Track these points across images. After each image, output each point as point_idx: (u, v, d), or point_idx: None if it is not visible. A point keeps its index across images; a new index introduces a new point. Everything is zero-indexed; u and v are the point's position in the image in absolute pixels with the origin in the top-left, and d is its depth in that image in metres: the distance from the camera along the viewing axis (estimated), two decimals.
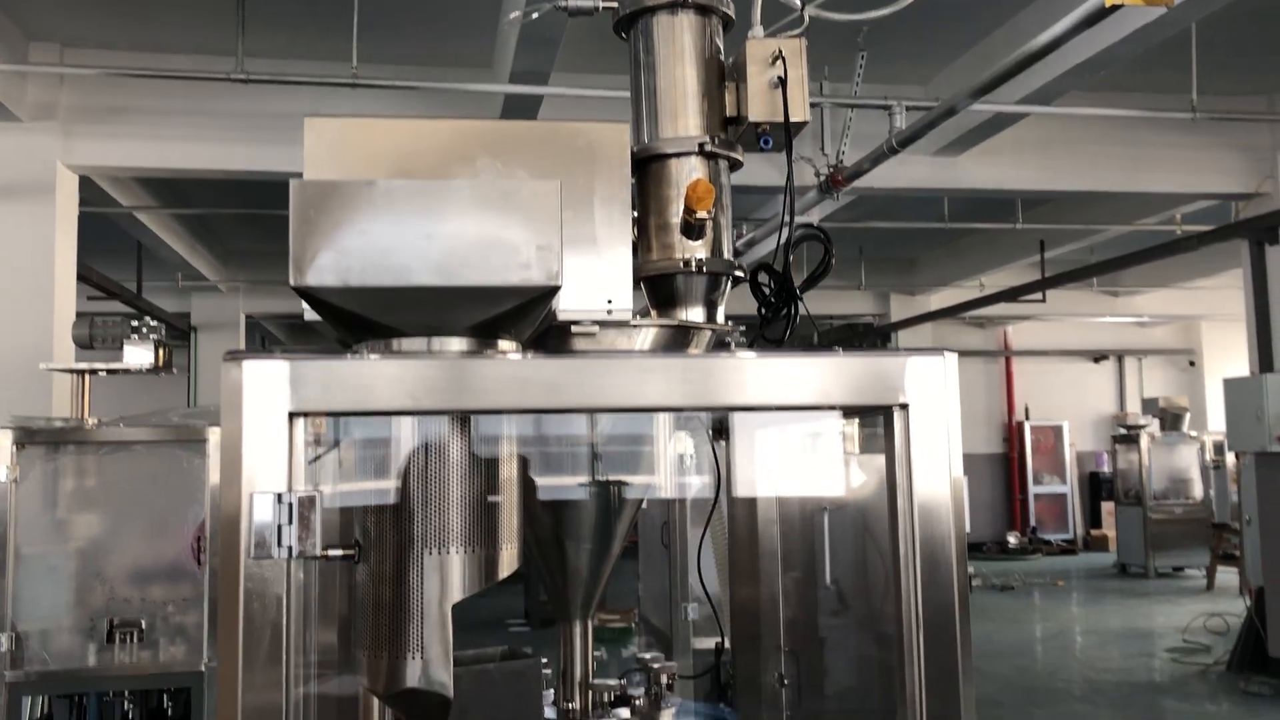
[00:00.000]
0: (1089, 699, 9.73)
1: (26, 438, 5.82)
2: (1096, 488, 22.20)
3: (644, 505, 2.78)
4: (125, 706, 6.56)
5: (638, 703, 2.63)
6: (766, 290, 2.71)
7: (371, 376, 1.85)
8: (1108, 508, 20.94)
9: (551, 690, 2.70)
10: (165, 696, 6.66)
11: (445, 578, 2.06)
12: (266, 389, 1.81)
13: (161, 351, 6.60)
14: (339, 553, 2.07)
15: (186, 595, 6.24)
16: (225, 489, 1.78)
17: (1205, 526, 16.90)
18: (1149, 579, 17.18)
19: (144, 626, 6.15)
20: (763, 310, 2.69)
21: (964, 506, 2.07)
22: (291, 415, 1.81)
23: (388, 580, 2.05)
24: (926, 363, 2.00)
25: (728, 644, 3.38)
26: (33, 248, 9.21)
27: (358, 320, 2.02)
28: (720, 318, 2.69)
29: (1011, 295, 15.56)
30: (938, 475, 2.03)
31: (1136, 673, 10.76)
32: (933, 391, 2.01)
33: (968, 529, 2.09)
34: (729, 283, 2.66)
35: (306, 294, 1.96)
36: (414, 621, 2.03)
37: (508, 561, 2.12)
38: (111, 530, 6.05)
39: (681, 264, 2.58)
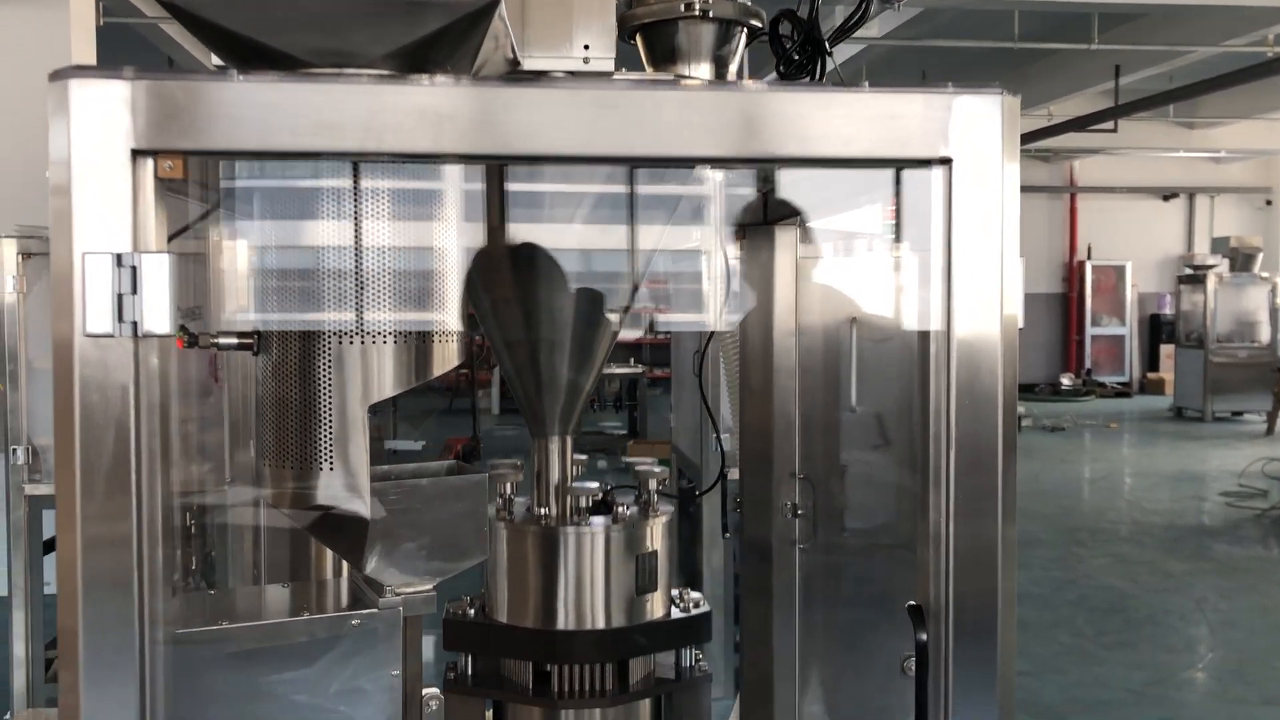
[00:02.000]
0: (1135, 540, 9.42)
1: (33, 248, 5.57)
2: (1156, 330, 21.51)
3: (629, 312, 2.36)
4: None
5: (622, 510, 2.27)
6: (789, 43, 2.21)
7: (245, 104, 1.41)
8: (1167, 351, 20.32)
9: (525, 499, 2.36)
10: (188, 515, 6.57)
11: (364, 370, 1.67)
12: (102, 118, 1.38)
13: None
14: (233, 341, 1.68)
15: (206, 413, 6.02)
16: (55, 246, 1.38)
17: (1269, 371, 16.28)
18: (1206, 423, 16.69)
19: None
20: (781, 67, 2.20)
21: (1018, 303, 1.62)
22: (136, 153, 1.38)
23: (292, 375, 1.67)
24: (978, 104, 1.53)
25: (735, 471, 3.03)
26: (45, 53, 8.76)
27: (243, 45, 1.57)
28: (733, 78, 2.21)
29: (1081, 124, 14.63)
30: (983, 258, 1.57)
31: (1187, 515, 10.41)
32: (985, 145, 1.54)
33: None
34: (743, 35, 2.16)
35: (172, 5, 1.51)
36: (324, 425, 1.65)
37: (443, 355, 1.71)
38: None
39: (683, 7, 2.09)
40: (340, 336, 1.65)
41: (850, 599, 2.71)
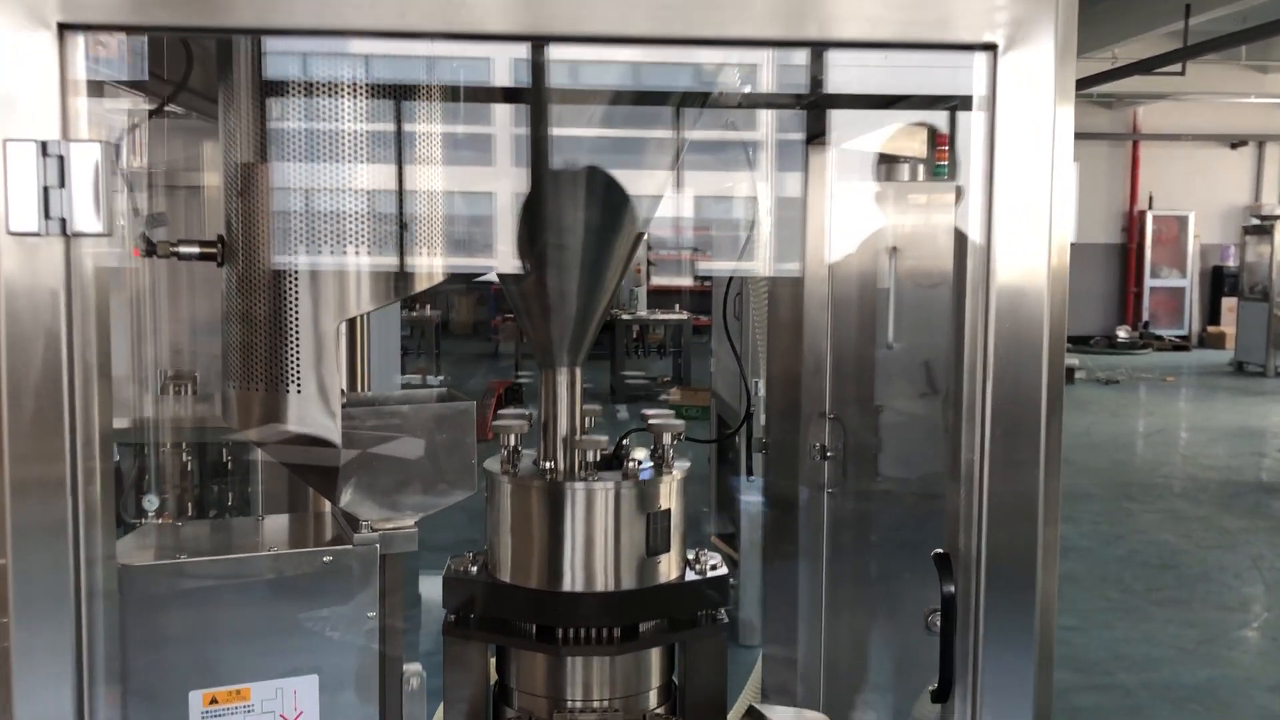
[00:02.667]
0: (1189, 496, 9.13)
1: None
2: (1218, 282, 20.87)
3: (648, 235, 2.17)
4: (184, 459, 6.44)
5: (634, 464, 2.11)
6: None
7: None
8: (1229, 304, 19.69)
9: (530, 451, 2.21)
10: (224, 450, 6.53)
11: (339, 287, 1.51)
12: None
13: None
14: (194, 250, 1.53)
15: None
16: None
17: None
18: (1267, 378, 16.18)
19: (198, 379, 5.93)
20: None
21: (1069, 224, 1.43)
22: (64, 28, 1.23)
23: (259, 289, 1.52)
24: None
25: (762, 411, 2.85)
26: None
27: None
28: None
29: (1147, 67, 14.05)
30: (1030, 167, 1.38)
31: (1244, 472, 10.08)
32: (1036, 33, 1.33)
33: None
34: None
35: None
36: (292, 344, 1.50)
37: (426, 271, 1.55)
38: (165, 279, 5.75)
39: None
40: (311, 244, 1.49)
41: (881, 547, 2.54)
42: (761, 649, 2.79)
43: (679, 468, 2.19)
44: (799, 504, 2.63)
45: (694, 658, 2.25)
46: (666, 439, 2.14)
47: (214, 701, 1.51)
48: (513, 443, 2.18)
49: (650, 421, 2.20)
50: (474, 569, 2.21)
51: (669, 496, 2.15)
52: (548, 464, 2.15)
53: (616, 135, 2.18)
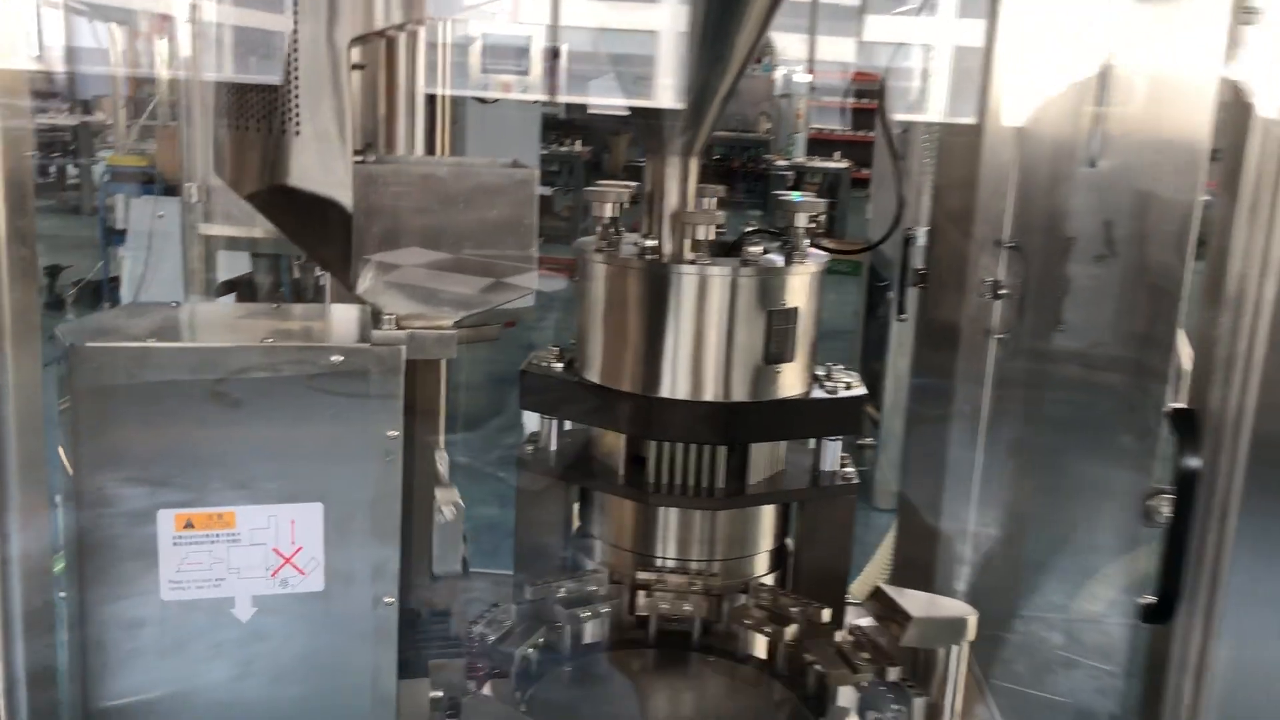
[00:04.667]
0: None
1: None
2: None
3: None
4: (317, 274, 6.33)
5: (757, 251, 1.70)
6: None
7: None
8: None
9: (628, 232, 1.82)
10: None
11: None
12: None
13: None
14: None
15: None
16: None
17: None
18: None
19: None
20: None
21: None
22: None
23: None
24: None
25: (921, 233, 2.37)
26: None
27: None
28: None
29: None
30: None
31: None
32: None
33: None
34: None
35: None
36: (292, 64, 1.12)
37: None
38: None
39: None
40: None
41: (1056, 413, 2.07)
42: (896, 517, 2.38)
43: (814, 259, 1.76)
44: (957, 353, 2.18)
45: (814, 520, 1.87)
46: (800, 220, 1.71)
47: (189, 525, 1.20)
48: (609, 213, 1.79)
49: (780, 199, 1.77)
50: (558, 366, 1.86)
51: (798, 293, 1.73)
52: (651, 242, 1.75)
53: None
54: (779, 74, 12.61)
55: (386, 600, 1.27)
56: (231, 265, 5.89)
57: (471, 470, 4.69)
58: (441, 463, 1.35)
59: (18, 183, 1.27)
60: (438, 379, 1.29)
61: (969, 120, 2.21)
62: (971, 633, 1.55)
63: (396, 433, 1.24)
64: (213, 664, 1.23)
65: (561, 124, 11.22)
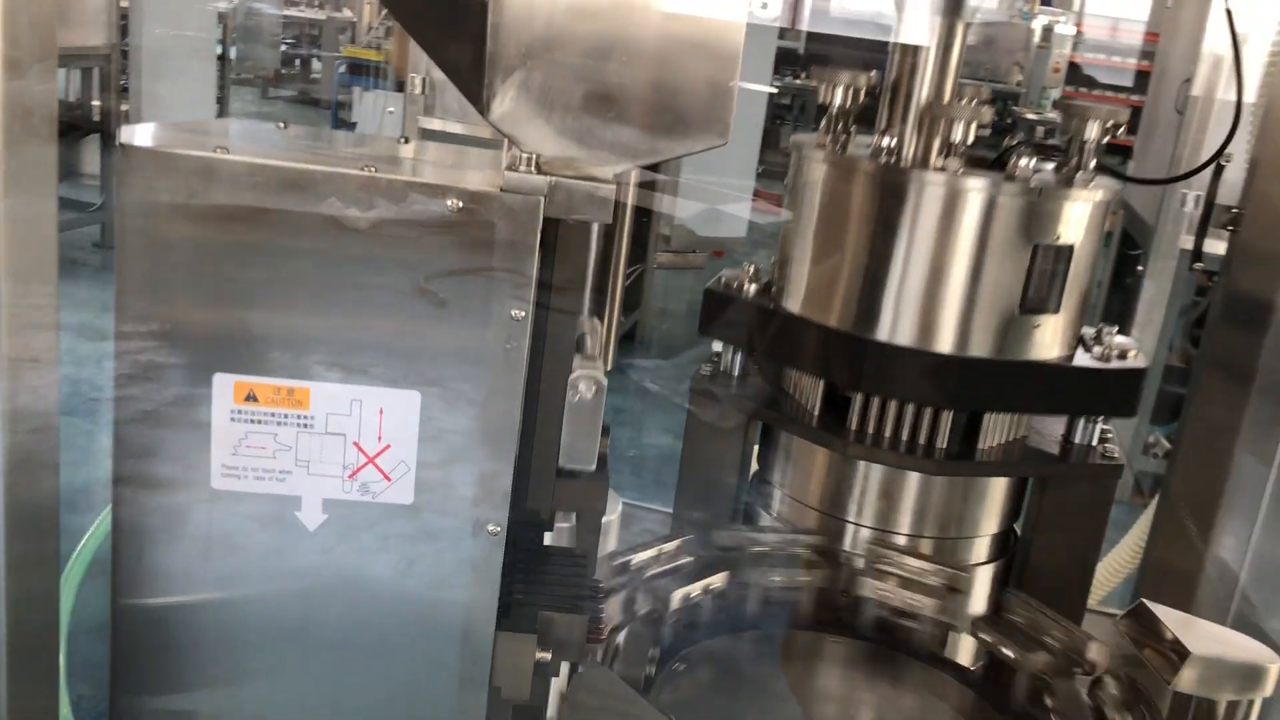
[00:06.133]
0: None
1: None
2: None
3: None
4: None
5: (1026, 164, 1.30)
6: None
7: None
8: None
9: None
10: None
11: None
12: None
13: None
14: None
15: None
16: None
17: None
18: None
19: None
20: None
21: None
22: None
23: None
24: None
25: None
26: None
27: None
28: None
29: None
30: None
31: None
32: None
33: None
34: None
35: None
36: None
37: None
38: None
39: None
40: None
41: None
42: (1154, 515, 1.93)
43: (1102, 185, 1.35)
44: (1271, 321, 1.70)
45: (1059, 504, 1.47)
46: (1091, 130, 1.30)
47: (250, 399, 0.94)
48: (839, 102, 1.42)
49: (1066, 104, 1.36)
50: (751, 288, 1.52)
51: (1076, 227, 1.33)
52: (888, 141, 1.38)
53: None
54: (1037, 23, 11.72)
55: (491, 529, 0.98)
56: None
57: (659, 398, 4.43)
58: (593, 334, 1.04)
59: None
60: (585, 251, 0.97)
61: None
62: (1270, 686, 1.14)
63: (524, 313, 0.93)
64: (266, 577, 0.98)
65: (799, 58, 10.69)
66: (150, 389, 0.92)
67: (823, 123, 1.45)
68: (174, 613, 0.97)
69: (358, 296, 0.92)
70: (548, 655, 1.04)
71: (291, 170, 0.88)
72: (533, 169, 0.92)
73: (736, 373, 1.57)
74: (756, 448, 1.61)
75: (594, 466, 1.01)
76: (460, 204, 0.91)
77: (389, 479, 0.97)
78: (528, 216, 0.92)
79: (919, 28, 1.39)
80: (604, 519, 1.65)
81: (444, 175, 0.93)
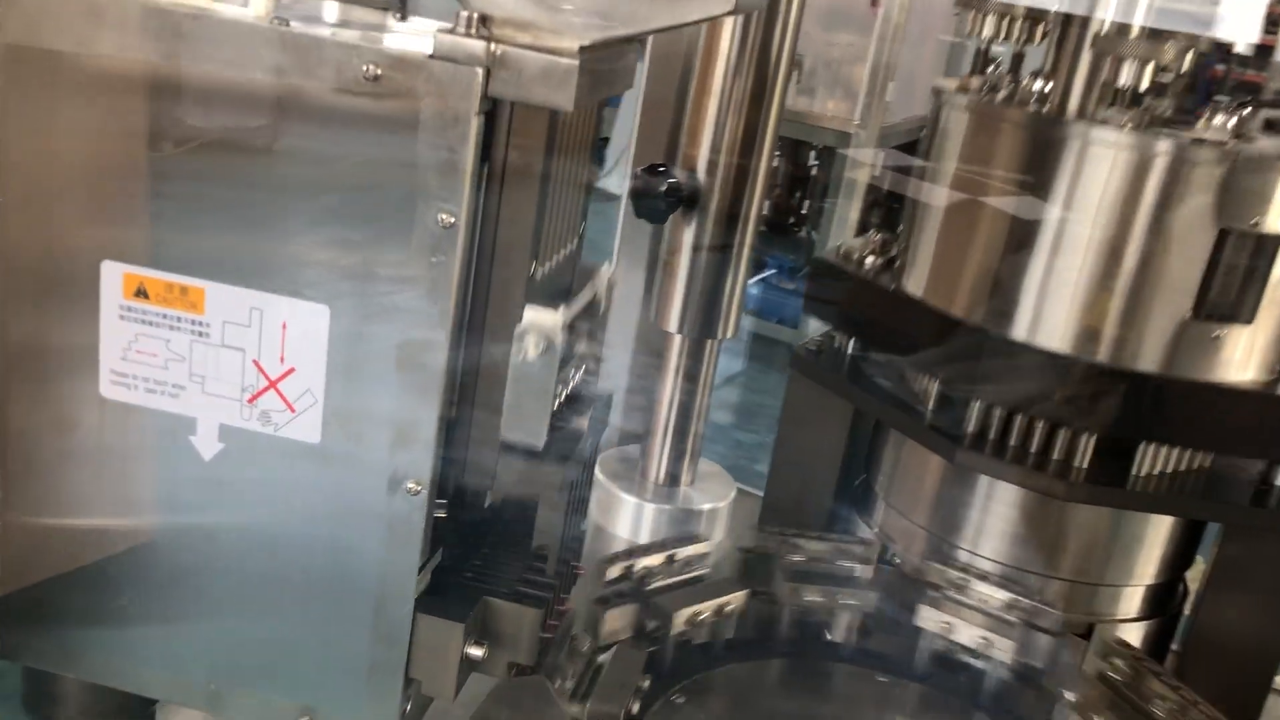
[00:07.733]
0: None
1: None
2: None
3: None
4: None
5: (1221, 119, 0.98)
6: None
7: None
8: None
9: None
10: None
11: None
12: None
13: None
14: None
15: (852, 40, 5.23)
16: None
17: None
18: None
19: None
20: None
21: None
22: None
23: None
24: None
25: None
26: None
27: None
28: None
29: None
30: None
31: None
32: None
33: None
34: None
35: None
36: None
37: None
38: None
39: None
40: None
41: None
42: None
43: None
44: None
45: (1246, 557, 1.13)
46: None
47: (141, 294, 0.80)
48: (989, 35, 1.14)
49: None
50: (870, 261, 1.26)
51: None
52: (1044, 86, 1.09)
53: None
54: None
55: (410, 486, 0.79)
56: None
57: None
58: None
59: None
60: (540, 147, 0.76)
61: None
62: None
63: (453, 219, 0.73)
64: (157, 505, 0.83)
65: None
66: (33, 265, 0.80)
67: (973, 63, 1.18)
68: (63, 535, 0.85)
69: (258, 183, 0.75)
70: (481, 651, 0.84)
71: (186, 15, 0.72)
72: (475, 32, 0.72)
73: (850, 349, 1.31)
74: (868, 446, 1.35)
75: (541, 443, 0.81)
76: (377, 69, 0.72)
77: (293, 409, 0.80)
78: (461, 92, 0.72)
79: None
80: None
81: (368, 37, 0.75)
